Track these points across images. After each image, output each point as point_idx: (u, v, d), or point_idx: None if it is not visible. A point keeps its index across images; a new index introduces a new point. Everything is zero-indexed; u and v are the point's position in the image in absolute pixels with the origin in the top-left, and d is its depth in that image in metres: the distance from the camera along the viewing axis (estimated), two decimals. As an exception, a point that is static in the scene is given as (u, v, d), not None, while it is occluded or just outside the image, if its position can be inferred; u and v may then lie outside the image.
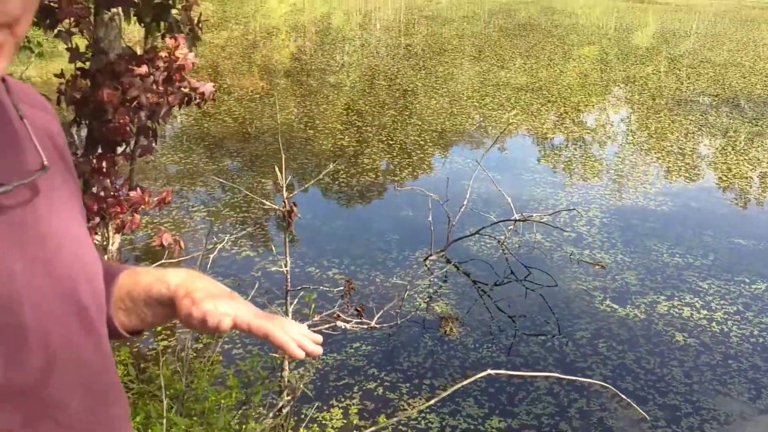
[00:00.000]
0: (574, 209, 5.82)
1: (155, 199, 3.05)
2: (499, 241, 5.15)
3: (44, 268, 0.69)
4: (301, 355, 0.79)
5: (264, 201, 3.62)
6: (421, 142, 8.09)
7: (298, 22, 23.74)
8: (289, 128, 8.55)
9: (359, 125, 8.81)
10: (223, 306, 0.80)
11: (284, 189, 3.20)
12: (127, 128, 2.74)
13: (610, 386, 3.07)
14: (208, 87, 3.09)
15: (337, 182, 6.60)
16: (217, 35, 16.97)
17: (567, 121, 9.53)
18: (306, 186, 5.52)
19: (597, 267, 4.99)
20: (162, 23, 2.84)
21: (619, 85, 12.54)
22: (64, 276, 0.71)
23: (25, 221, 0.69)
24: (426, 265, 4.87)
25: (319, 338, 0.82)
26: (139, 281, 0.88)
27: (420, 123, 8.95)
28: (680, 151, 8.21)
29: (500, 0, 36.27)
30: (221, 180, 6.19)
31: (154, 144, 3.06)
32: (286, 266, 3.00)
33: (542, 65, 14.06)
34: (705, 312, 4.46)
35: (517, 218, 4.99)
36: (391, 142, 8.06)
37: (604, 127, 9.47)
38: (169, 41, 2.70)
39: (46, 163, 0.72)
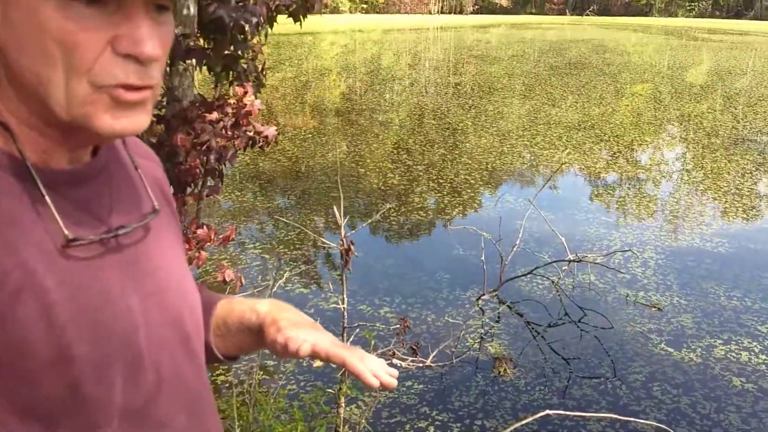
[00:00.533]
0: (630, 250, 5.76)
1: (220, 236, 3.19)
2: (552, 282, 5.13)
3: (155, 300, 0.78)
4: (375, 383, 0.82)
5: (323, 239, 3.72)
6: (471, 181, 8.14)
7: (348, 62, 24.25)
8: (339, 166, 8.72)
9: (409, 164, 8.93)
10: (304, 333, 0.86)
11: (342, 228, 3.30)
12: (197, 170, 2.88)
13: (669, 429, 3.02)
14: (271, 131, 3.23)
15: (387, 220, 6.69)
16: (271, 77, 17.47)
17: (620, 159, 9.47)
18: (363, 225, 5.60)
19: (653, 309, 4.92)
20: (231, 72, 3.00)
21: (673, 124, 12.41)
22: (171, 307, 0.81)
23: (139, 259, 0.78)
24: (478, 305, 4.89)
25: (396, 373, 0.85)
26: (233, 309, 0.96)
27: (470, 162, 9.02)
28: (737, 191, 8.06)
29: (550, 39, 36.34)
30: (278, 218, 6.35)
31: (220, 184, 3.21)
32: (343, 303, 3.07)
33: (594, 103, 14.02)
34: (764, 357, 4.34)
35: (571, 259, 4.97)
36: (441, 181, 8.14)
37: (659, 166, 9.37)
38: (238, 89, 2.85)
39: (157, 207, 0.82)
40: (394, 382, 0.83)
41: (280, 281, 3.94)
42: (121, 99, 0.67)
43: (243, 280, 3.42)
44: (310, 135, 10.78)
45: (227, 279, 3.24)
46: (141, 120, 0.70)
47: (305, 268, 5.48)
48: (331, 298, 4.83)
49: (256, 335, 0.93)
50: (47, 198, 0.68)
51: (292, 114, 12.84)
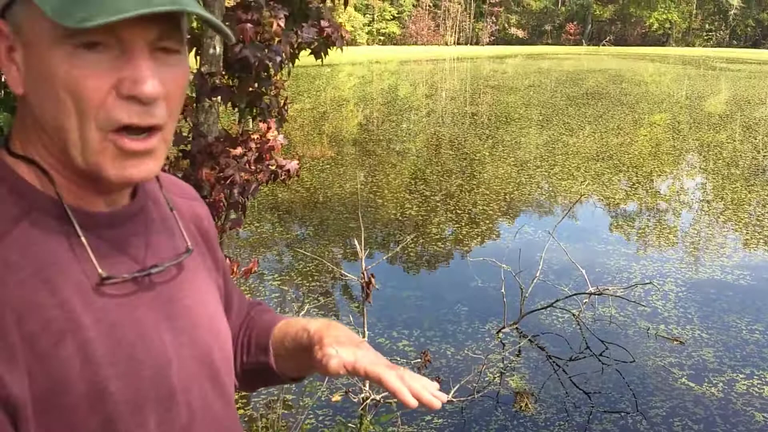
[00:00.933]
0: (650, 283, 5.72)
1: (242, 269, 3.22)
2: (573, 315, 5.10)
3: (187, 337, 0.81)
4: (414, 403, 0.80)
5: (343, 272, 3.74)
6: (490, 212, 8.14)
7: (366, 93, 24.49)
8: (355, 200, 8.74)
9: (426, 194, 8.96)
10: (344, 351, 0.86)
11: (363, 260, 3.32)
12: (221, 203, 2.92)
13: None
14: (293, 165, 3.28)
15: (405, 251, 6.70)
16: (290, 108, 17.60)
17: (640, 190, 9.44)
18: (383, 258, 5.60)
19: (675, 342, 4.87)
20: (254, 108, 3.05)
21: (692, 154, 12.37)
22: (202, 343, 0.83)
23: (173, 296, 0.80)
24: (499, 338, 4.86)
25: (444, 397, 0.82)
26: (288, 331, 0.98)
27: (488, 192, 9.03)
28: (758, 222, 7.99)
29: (566, 69, 36.48)
30: (298, 250, 6.37)
31: (242, 217, 3.24)
32: (364, 337, 3.08)
33: (612, 133, 14.02)
34: (788, 392, 4.27)
35: (592, 291, 4.95)
36: (459, 211, 8.15)
37: (678, 197, 9.32)
38: (262, 125, 2.90)
39: (190, 246, 0.84)
40: (436, 403, 0.81)
41: (300, 314, 3.95)
42: (125, 148, 0.69)
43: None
44: (328, 165, 10.87)
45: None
46: (150, 167, 0.72)
47: (324, 300, 5.48)
48: (352, 326, 4.83)
49: (305, 354, 0.93)
50: (83, 238, 0.71)
51: (310, 144, 12.96)
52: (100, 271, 0.71)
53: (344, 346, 0.87)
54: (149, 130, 0.70)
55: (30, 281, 0.67)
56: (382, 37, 68.50)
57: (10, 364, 0.65)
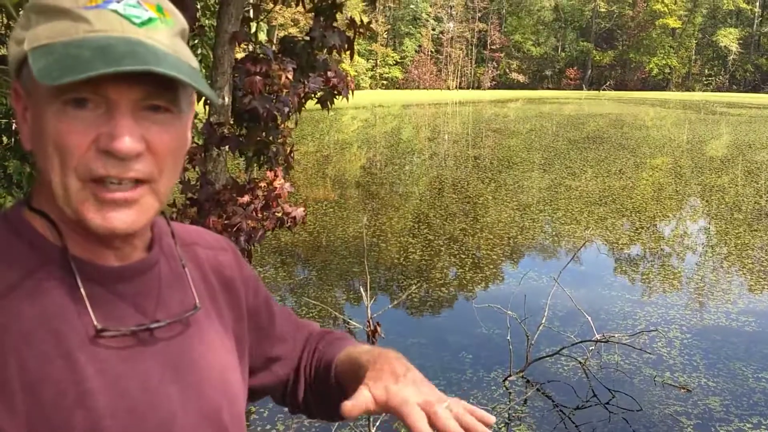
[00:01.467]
0: (655, 330, 5.68)
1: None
2: (580, 363, 5.05)
3: (194, 391, 0.81)
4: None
5: (348, 319, 3.72)
6: (494, 256, 8.14)
7: (369, 136, 24.71)
8: (357, 243, 8.74)
9: (430, 238, 8.96)
10: (375, 388, 0.82)
11: (368, 308, 3.31)
12: (227, 252, 2.93)
13: None
14: (299, 212, 3.30)
15: (409, 296, 6.67)
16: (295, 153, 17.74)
17: (643, 234, 9.44)
18: (389, 306, 5.56)
19: (682, 391, 4.81)
20: (261, 156, 3.09)
21: (695, 198, 12.40)
22: (209, 399, 0.83)
23: (181, 351, 0.81)
24: (505, 386, 4.81)
25: (489, 419, 0.79)
26: (351, 364, 0.94)
27: (491, 237, 9.03)
28: (762, 267, 7.97)
29: (567, 113, 36.84)
30: (305, 298, 6.35)
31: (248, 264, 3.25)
32: (369, 387, 3.05)
33: (614, 177, 14.09)
34: (799, 443, 4.20)
35: (598, 339, 4.91)
36: (463, 256, 8.14)
37: (682, 242, 9.32)
38: (269, 173, 2.93)
39: (197, 304, 0.85)
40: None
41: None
42: (101, 197, 0.71)
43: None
44: (331, 208, 10.91)
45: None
46: (133, 218, 0.73)
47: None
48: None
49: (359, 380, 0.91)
50: (82, 290, 0.73)
51: (313, 187, 13.03)
52: (95, 323, 0.73)
53: (380, 381, 0.82)
54: (135, 182, 0.72)
55: (36, 331, 0.70)
56: (385, 82, 69.42)
57: (10, 412, 0.67)
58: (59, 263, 0.74)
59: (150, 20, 0.72)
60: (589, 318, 5.13)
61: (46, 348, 0.70)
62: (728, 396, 4.75)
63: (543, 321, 5.11)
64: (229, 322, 0.92)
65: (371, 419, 3.37)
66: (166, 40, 0.73)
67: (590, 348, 5.10)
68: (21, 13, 0.76)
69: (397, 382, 0.82)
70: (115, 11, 0.70)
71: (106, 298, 0.75)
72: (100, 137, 0.70)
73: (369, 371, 0.86)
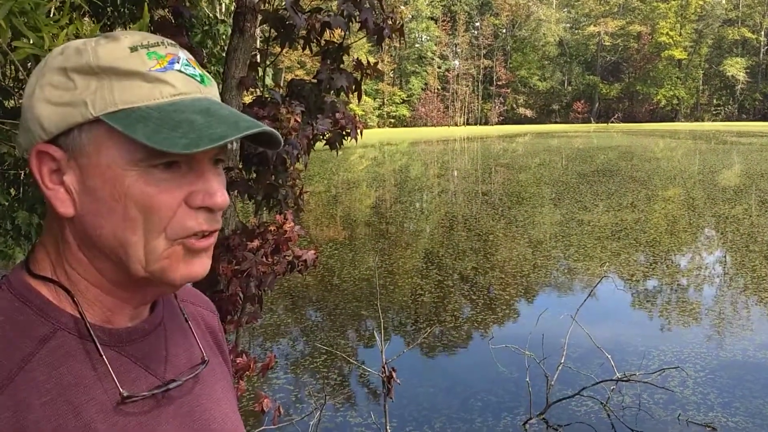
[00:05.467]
0: (678, 367, 5.54)
1: (259, 365, 3.12)
2: (602, 403, 4.91)
3: None
4: None
5: (363, 366, 3.63)
6: (506, 296, 8.02)
7: (378, 174, 24.79)
8: (368, 283, 8.64)
9: (439, 279, 8.86)
10: None
11: (383, 353, 3.22)
12: (237, 297, 2.86)
13: None
14: (310, 254, 3.23)
15: (423, 340, 6.55)
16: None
17: (658, 269, 9.30)
18: (404, 351, 5.44)
19: (707, 429, 4.66)
20: (271, 199, 3.04)
21: (710, 230, 12.26)
22: None
23: (193, 410, 0.81)
24: (526, 429, 4.67)
25: None
26: None
27: (503, 276, 8.92)
28: (784, 299, 7.80)
29: (576, 147, 36.90)
30: (320, 345, 6.25)
31: (259, 310, 3.18)
32: (386, 436, 2.95)
33: (626, 211, 13.98)
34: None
35: (619, 378, 4.79)
36: (474, 297, 8.02)
37: (699, 275, 9.17)
38: (279, 217, 2.88)
39: (206, 357, 0.85)
40: None
41: (319, 411, 3.81)
42: (195, 248, 0.73)
43: (281, 410, 3.32)
44: (339, 248, 10.85)
45: (266, 409, 3.15)
46: (207, 263, 0.76)
47: (342, 396, 5.28)
48: (370, 423, 4.66)
49: None
50: (104, 358, 0.72)
51: (322, 227, 13.00)
52: (121, 390, 0.72)
53: None
54: (211, 234, 0.75)
55: (54, 403, 0.68)
56: (392, 120, 70.02)
57: None
58: (71, 330, 0.72)
59: (203, 78, 0.74)
60: (610, 357, 5.01)
61: (64, 422, 0.68)
62: (756, 435, 4.60)
63: (562, 360, 4.99)
64: (227, 377, 0.93)
65: (387, 419, 3.26)
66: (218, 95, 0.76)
67: (611, 387, 4.96)
68: (42, 71, 0.72)
69: None
70: (180, 71, 0.72)
71: (120, 361, 0.75)
72: (195, 195, 0.71)
73: None
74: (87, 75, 0.69)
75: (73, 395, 0.70)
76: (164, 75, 0.70)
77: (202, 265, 0.75)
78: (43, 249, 0.75)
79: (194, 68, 0.74)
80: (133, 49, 0.70)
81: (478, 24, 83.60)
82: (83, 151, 0.70)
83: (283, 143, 2.81)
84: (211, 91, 0.75)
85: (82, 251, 0.73)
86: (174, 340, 0.83)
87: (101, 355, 0.72)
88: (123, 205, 0.69)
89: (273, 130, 0.72)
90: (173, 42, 0.75)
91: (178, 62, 0.72)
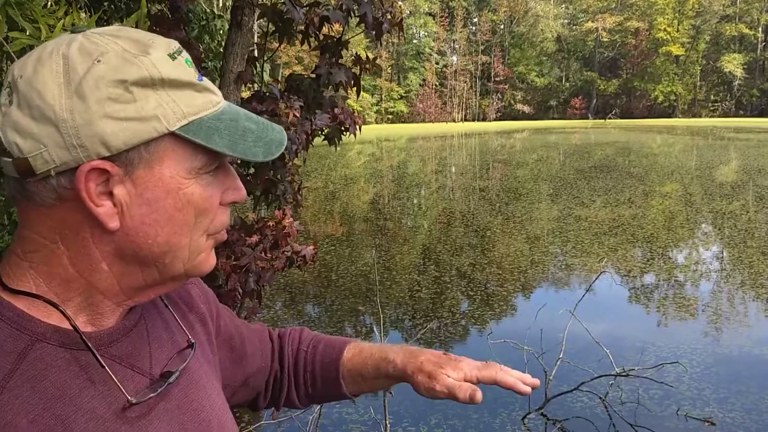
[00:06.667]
0: (677, 362, 5.54)
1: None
2: (600, 398, 4.92)
3: None
4: (528, 390, 0.95)
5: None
6: (504, 292, 8.02)
7: (376, 170, 24.77)
8: (365, 279, 8.64)
9: (437, 274, 8.85)
10: (453, 373, 0.97)
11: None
12: (236, 293, 2.86)
13: None
14: (309, 250, 3.23)
15: (423, 333, 6.56)
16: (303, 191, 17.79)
17: (656, 264, 9.31)
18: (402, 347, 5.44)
19: (706, 424, 4.67)
20: (269, 195, 3.04)
21: (707, 226, 12.27)
22: None
23: (181, 402, 0.80)
24: (524, 424, 4.68)
25: (536, 382, 0.98)
26: (365, 363, 1.07)
27: (500, 272, 8.92)
28: (782, 294, 7.82)
29: (574, 143, 36.93)
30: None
31: (258, 306, 3.17)
32: (386, 430, 2.95)
33: (624, 206, 13.99)
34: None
35: (618, 373, 4.79)
36: (471, 293, 8.02)
37: (697, 270, 9.18)
38: (278, 213, 2.87)
39: (192, 340, 0.86)
40: (537, 382, 0.98)
41: (319, 407, 3.81)
42: (220, 240, 0.80)
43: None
44: (336, 244, 10.85)
45: (264, 404, 3.15)
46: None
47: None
48: (368, 418, 4.67)
49: (392, 380, 1.05)
50: (106, 367, 0.71)
51: (320, 223, 12.99)
52: (128, 397, 0.72)
53: (447, 368, 0.98)
54: None
55: (42, 418, 0.66)
56: (390, 116, 69.96)
57: None
58: (50, 340, 0.69)
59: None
60: (608, 352, 5.02)
61: None
62: (754, 428, 4.60)
63: (560, 355, 4.99)
64: (210, 356, 0.93)
65: (387, 415, 3.26)
66: None
67: (610, 382, 4.97)
68: (89, 83, 0.66)
69: (457, 363, 0.99)
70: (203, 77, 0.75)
71: (111, 365, 0.73)
72: (228, 192, 0.77)
73: (424, 367, 0.99)
74: (146, 87, 0.67)
75: (59, 408, 0.67)
76: (205, 83, 0.73)
77: (215, 257, 0.80)
78: (24, 263, 0.71)
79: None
80: (172, 57, 0.70)
81: (476, 20, 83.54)
82: (145, 164, 0.69)
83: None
84: None
85: (107, 261, 0.71)
86: (156, 332, 0.82)
87: (102, 366, 0.71)
88: (185, 212, 0.72)
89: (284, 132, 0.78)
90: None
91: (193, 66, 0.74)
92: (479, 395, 0.94)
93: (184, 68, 0.70)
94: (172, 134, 0.69)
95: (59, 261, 0.70)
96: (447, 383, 0.96)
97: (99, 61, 0.66)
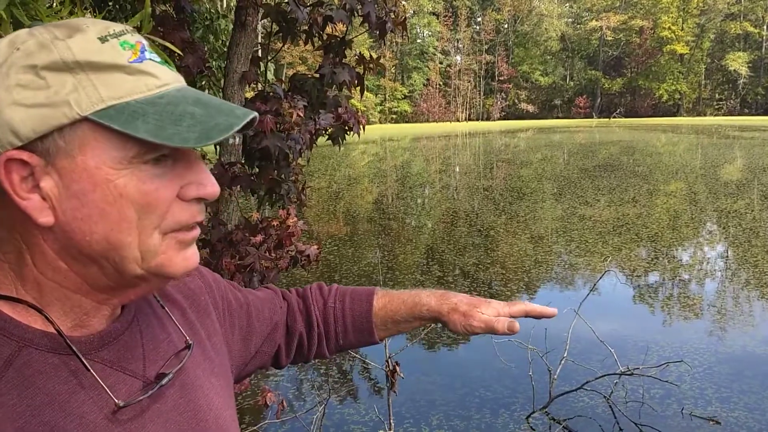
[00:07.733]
0: (682, 361, 5.54)
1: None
2: (605, 397, 4.91)
3: None
4: (555, 311, 1.05)
5: (367, 360, 3.63)
6: (508, 292, 8.01)
7: (379, 170, 24.76)
8: (369, 279, 8.63)
9: (440, 274, 8.85)
10: (487, 310, 1.05)
11: (387, 348, 3.22)
12: (240, 293, 2.87)
13: None
14: (312, 250, 3.24)
15: (427, 333, 6.55)
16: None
17: (660, 263, 9.29)
18: (407, 345, 5.43)
19: (711, 423, 4.66)
20: (273, 194, 3.04)
21: (712, 225, 12.24)
22: None
23: (178, 403, 0.78)
24: (528, 423, 4.67)
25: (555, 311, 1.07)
26: (399, 309, 1.12)
27: (504, 272, 8.91)
28: (787, 293, 7.80)
29: (578, 142, 36.87)
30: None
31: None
32: (390, 430, 2.95)
33: (628, 205, 13.96)
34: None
35: (622, 371, 4.79)
36: (475, 293, 7.99)
37: (701, 270, 9.16)
38: (282, 212, 2.88)
39: (189, 341, 0.83)
40: (556, 311, 1.06)
41: (323, 406, 3.82)
42: (187, 240, 0.72)
43: (285, 404, 3.33)
44: (342, 243, 10.85)
45: (269, 403, 3.16)
46: (197, 252, 0.75)
47: (345, 390, 5.28)
48: (371, 418, 4.67)
49: (424, 321, 1.11)
50: (92, 371, 0.69)
51: (324, 223, 12.99)
52: (116, 401, 0.69)
53: (481, 306, 1.06)
54: (197, 225, 0.74)
55: (29, 425, 0.64)
56: (394, 115, 69.94)
57: None
58: (38, 345, 0.67)
59: (170, 64, 0.72)
60: (613, 351, 5.01)
61: None
62: (757, 427, 4.59)
63: (565, 354, 4.99)
64: (212, 353, 0.90)
65: (391, 414, 3.26)
66: None
67: (614, 381, 4.96)
68: (13, 74, 0.64)
69: (488, 302, 1.07)
70: (152, 60, 0.68)
71: (100, 369, 0.71)
72: (189, 187, 0.70)
73: (459, 307, 1.06)
74: (61, 72, 0.63)
75: (48, 414, 0.65)
76: (143, 66, 0.66)
77: (195, 255, 0.73)
78: (5, 264, 0.69)
79: (156, 54, 0.70)
80: (103, 39, 0.65)
81: (479, 19, 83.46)
82: (64, 153, 0.64)
83: (285, 137, 2.82)
84: (181, 77, 0.72)
85: (62, 260, 0.68)
86: (150, 333, 0.79)
87: (88, 369, 0.69)
88: (118, 207, 0.65)
89: (254, 112, 0.71)
90: (131, 27, 0.70)
91: (146, 50, 0.68)
92: (517, 326, 1.02)
93: (115, 51, 0.65)
94: (88, 120, 0.63)
95: (26, 261, 0.68)
96: (483, 319, 1.04)
97: (18, 48, 0.64)
